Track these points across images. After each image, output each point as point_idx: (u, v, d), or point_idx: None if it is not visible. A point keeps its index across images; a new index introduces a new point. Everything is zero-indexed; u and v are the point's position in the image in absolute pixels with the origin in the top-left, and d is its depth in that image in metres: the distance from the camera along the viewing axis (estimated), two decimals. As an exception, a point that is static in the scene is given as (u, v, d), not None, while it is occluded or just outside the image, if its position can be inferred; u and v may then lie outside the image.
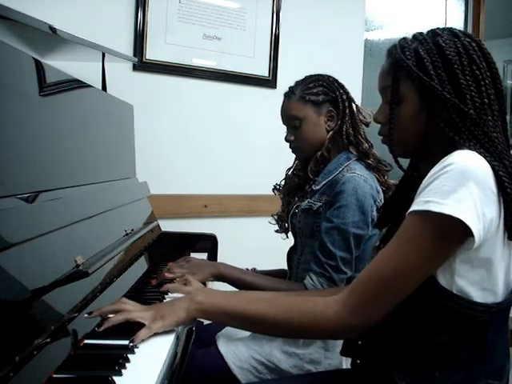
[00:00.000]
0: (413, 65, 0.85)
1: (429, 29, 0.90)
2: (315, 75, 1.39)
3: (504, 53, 3.67)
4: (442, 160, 0.77)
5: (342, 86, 1.37)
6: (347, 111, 1.34)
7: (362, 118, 1.37)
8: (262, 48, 2.27)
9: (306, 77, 1.40)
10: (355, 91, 2.63)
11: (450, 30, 0.88)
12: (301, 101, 1.34)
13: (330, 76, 1.39)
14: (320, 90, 1.34)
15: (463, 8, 3.21)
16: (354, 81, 2.49)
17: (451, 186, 0.72)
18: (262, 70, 2.28)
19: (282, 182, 1.50)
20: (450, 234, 0.74)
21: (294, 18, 2.34)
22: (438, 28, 0.89)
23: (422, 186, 0.77)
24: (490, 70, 0.85)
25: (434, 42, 0.85)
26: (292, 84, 1.40)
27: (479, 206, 0.73)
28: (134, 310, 0.89)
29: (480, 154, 0.77)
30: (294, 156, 1.45)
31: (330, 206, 1.24)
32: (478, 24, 3.15)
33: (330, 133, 1.34)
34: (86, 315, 0.88)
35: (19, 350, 0.64)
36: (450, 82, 0.82)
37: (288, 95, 1.38)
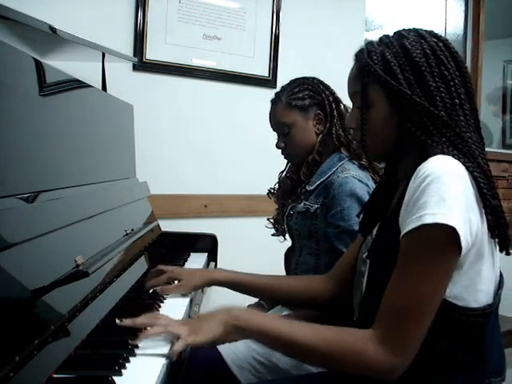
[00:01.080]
0: (380, 69, 0.84)
1: (395, 31, 0.89)
2: (300, 79, 1.38)
3: (504, 53, 3.67)
4: (417, 170, 0.76)
5: (327, 88, 1.37)
6: (335, 113, 1.34)
7: None
8: (262, 48, 2.27)
9: (290, 81, 1.39)
10: (355, 91, 2.64)
11: (416, 31, 0.87)
12: (287, 107, 1.33)
13: (314, 78, 1.38)
14: (306, 94, 1.33)
15: (463, 8, 3.21)
16: (354, 81, 2.49)
17: (438, 195, 0.72)
18: (262, 70, 2.28)
19: (276, 186, 1.50)
20: (450, 242, 0.73)
21: (293, 17, 2.33)
22: (403, 29, 0.88)
23: (408, 204, 0.76)
24: (458, 69, 0.84)
25: (400, 44, 0.84)
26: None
27: (465, 211, 0.73)
28: (170, 325, 0.86)
29: (453, 156, 0.77)
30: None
31: (329, 209, 1.24)
32: (478, 24, 3.15)
33: (320, 136, 1.33)
34: (117, 321, 0.86)
35: (19, 350, 0.64)
36: (418, 85, 0.82)
37: (274, 102, 1.38)
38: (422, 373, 0.81)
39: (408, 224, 0.75)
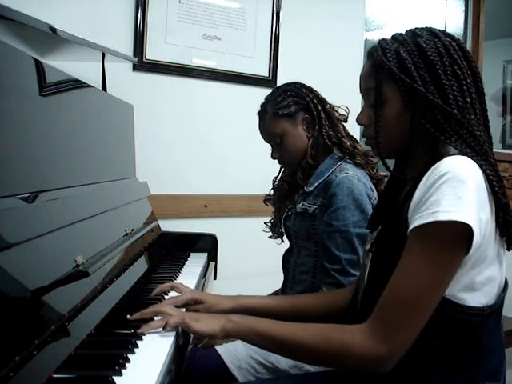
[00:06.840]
0: (395, 67, 0.84)
1: (407, 29, 0.90)
2: (282, 86, 1.39)
3: (504, 53, 3.67)
4: (432, 168, 0.76)
5: (311, 90, 1.36)
6: (322, 114, 1.33)
7: (340, 116, 1.37)
8: (262, 48, 2.27)
9: (273, 90, 1.39)
10: (355, 91, 2.64)
11: (430, 30, 0.87)
12: (274, 117, 1.33)
13: (296, 83, 1.38)
14: (290, 101, 1.32)
15: (463, 8, 3.21)
16: (354, 81, 2.48)
17: (454, 193, 0.72)
18: (262, 70, 2.28)
19: (272, 192, 1.49)
20: (461, 240, 0.73)
21: (294, 17, 2.33)
22: (416, 28, 0.89)
23: (421, 198, 0.76)
24: (470, 68, 0.85)
25: (414, 42, 0.85)
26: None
27: (478, 210, 0.73)
28: (173, 315, 0.90)
29: (467, 154, 0.77)
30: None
31: (327, 208, 1.24)
32: (478, 24, 3.14)
33: (311, 139, 1.33)
34: (128, 316, 0.92)
35: (19, 350, 0.64)
36: (432, 83, 0.82)
37: (261, 114, 1.38)
38: (417, 369, 0.81)
39: (418, 219, 0.75)
